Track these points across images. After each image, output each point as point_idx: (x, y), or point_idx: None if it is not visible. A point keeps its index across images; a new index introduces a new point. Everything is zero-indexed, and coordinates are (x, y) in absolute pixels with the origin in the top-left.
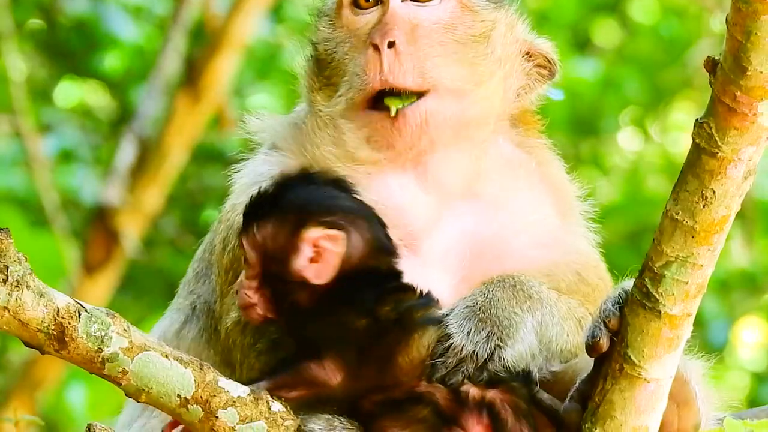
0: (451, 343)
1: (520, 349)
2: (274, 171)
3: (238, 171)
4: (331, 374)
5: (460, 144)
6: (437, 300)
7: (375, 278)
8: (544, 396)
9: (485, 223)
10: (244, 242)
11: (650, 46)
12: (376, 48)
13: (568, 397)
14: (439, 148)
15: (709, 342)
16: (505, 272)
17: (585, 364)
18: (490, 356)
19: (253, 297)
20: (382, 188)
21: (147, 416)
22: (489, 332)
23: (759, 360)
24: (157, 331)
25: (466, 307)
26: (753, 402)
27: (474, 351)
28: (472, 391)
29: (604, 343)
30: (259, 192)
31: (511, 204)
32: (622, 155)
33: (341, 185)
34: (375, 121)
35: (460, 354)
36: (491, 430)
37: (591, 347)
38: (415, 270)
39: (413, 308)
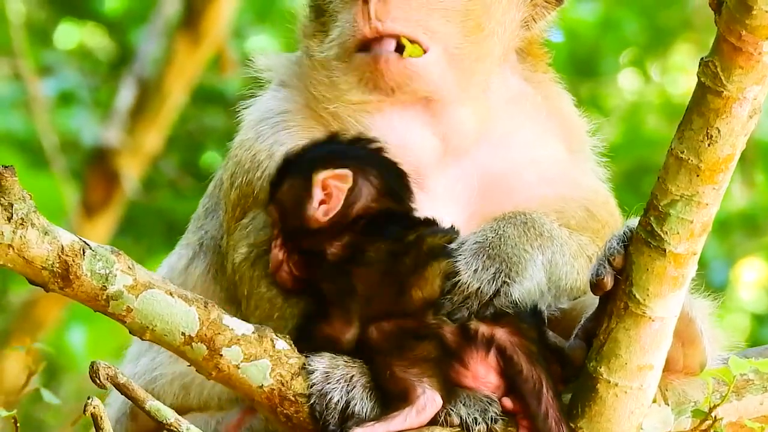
0: (458, 280)
1: (528, 287)
2: (282, 107)
3: (247, 107)
4: (342, 330)
5: (463, 88)
6: (457, 230)
7: (394, 218)
8: (549, 333)
9: (493, 159)
10: (270, 205)
11: None
12: (366, 0)
13: (573, 335)
14: (439, 95)
15: (709, 283)
16: (516, 208)
17: (591, 301)
18: (496, 293)
19: (280, 255)
20: (384, 126)
21: (156, 351)
22: (497, 269)
23: (759, 301)
24: (166, 266)
25: (476, 243)
26: (754, 343)
27: (479, 288)
28: (482, 328)
29: (609, 281)
30: (282, 158)
31: (518, 140)
32: (622, 96)
33: (359, 141)
34: (362, 64)
35: (466, 291)
36: (500, 373)
37: (595, 285)
38: (424, 205)
39: (434, 234)
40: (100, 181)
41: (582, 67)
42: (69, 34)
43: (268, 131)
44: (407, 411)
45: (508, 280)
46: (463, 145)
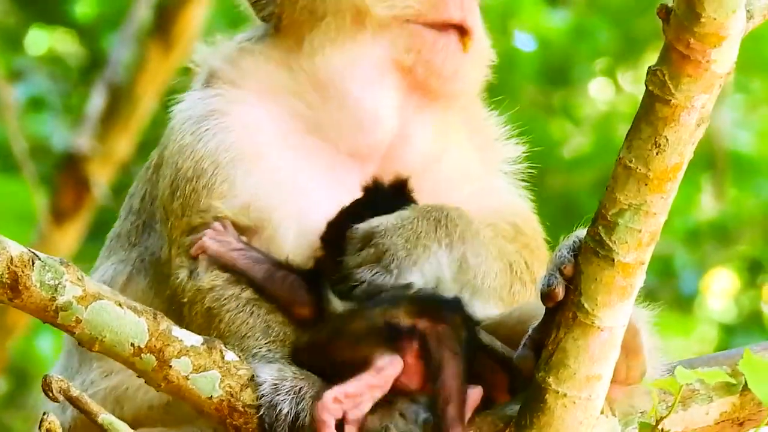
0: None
1: (413, 280)
2: (221, 105)
3: (180, 103)
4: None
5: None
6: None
7: None
8: (497, 344)
9: (424, 171)
10: None
11: None
12: None
13: (522, 345)
14: (452, 100)
15: (679, 292)
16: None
17: (531, 308)
18: (363, 281)
19: None
20: (370, 87)
21: (85, 372)
22: (375, 259)
23: (728, 311)
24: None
25: (372, 227)
26: None
27: (351, 272)
28: (403, 319)
29: (560, 291)
30: None
31: (449, 156)
32: (594, 105)
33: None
34: (424, 38)
35: (343, 271)
36: (420, 357)
37: (546, 296)
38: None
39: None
40: (70, 186)
41: (554, 76)
42: (39, 40)
43: (209, 135)
44: (365, 373)
45: (383, 271)
46: (411, 151)
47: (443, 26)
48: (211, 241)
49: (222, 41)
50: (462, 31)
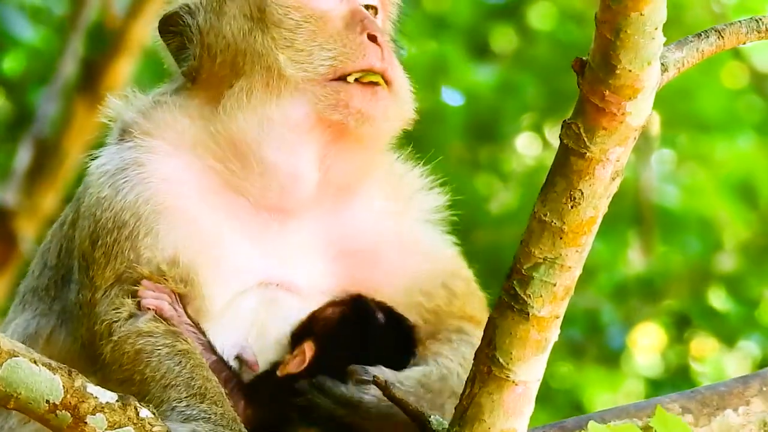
0: None
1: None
2: (138, 157)
3: (96, 158)
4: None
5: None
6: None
7: None
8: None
9: (355, 227)
10: None
11: (548, 52)
12: (373, 38)
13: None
14: (378, 143)
15: (606, 348)
16: (381, 283)
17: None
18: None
19: None
20: (286, 149)
21: (2, 420)
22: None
23: (655, 366)
24: (22, 335)
25: (356, 400)
26: None
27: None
28: None
29: None
30: None
31: (375, 210)
32: (520, 160)
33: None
34: (348, 90)
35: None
36: None
37: None
38: (279, 251)
39: None
40: None
41: (481, 131)
42: None
43: (127, 187)
44: None
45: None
46: (338, 186)
47: (364, 72)
48: (168, 306)
49: (135, 95)
50: (384, 79)
